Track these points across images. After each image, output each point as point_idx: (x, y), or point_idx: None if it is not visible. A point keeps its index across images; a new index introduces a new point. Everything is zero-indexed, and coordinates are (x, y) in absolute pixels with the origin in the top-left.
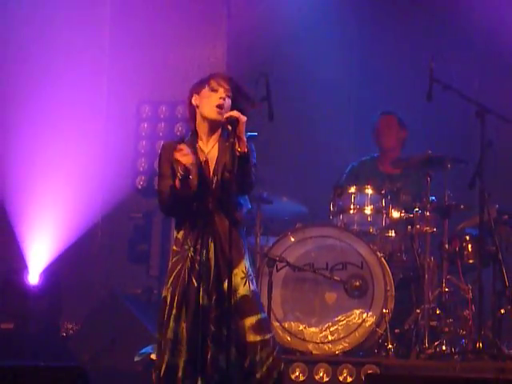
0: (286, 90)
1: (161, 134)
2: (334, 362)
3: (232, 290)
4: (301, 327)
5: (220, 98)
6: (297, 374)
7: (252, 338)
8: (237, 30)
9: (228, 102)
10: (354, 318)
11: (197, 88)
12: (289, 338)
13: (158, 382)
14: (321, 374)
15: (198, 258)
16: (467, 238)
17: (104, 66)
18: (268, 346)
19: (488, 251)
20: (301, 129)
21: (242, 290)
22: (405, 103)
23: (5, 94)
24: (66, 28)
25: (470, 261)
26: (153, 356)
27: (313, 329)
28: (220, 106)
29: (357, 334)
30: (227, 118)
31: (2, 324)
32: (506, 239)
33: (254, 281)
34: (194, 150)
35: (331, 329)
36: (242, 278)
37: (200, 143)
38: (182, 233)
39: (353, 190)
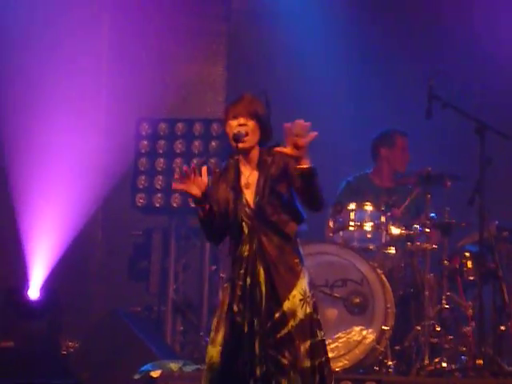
0: (286, 107)
1: (161, 151)
2: (334, 380)
3: (291, 313)
4: None
5: (239, 125)
6: None
7: (306, 363)
8: (237, 47)
9: (252, 124)
10: (354, 335)
11: (224, 116)
12: None
13: None
14: None
15: (241, 283)
16: (467, 254)
17: (103, 83)
18: (319, 372)
19: (488, 268)
20: None
21: (300, 313)
22: (405, 119)
23: (1, 104)
24: (65, 44)
25: (470, 277)
26: (152, 374)
27: None
28: (235, 137)
29: (357, 351)
30: (234, 134)
31: (2, 342)
32: (506, 256)
33: (311, 301)
34: (237, 173)
35: (331, 346)
36: (301, 300)
37: (242, 166)
38: (230, 259)
39: (352, 206)
